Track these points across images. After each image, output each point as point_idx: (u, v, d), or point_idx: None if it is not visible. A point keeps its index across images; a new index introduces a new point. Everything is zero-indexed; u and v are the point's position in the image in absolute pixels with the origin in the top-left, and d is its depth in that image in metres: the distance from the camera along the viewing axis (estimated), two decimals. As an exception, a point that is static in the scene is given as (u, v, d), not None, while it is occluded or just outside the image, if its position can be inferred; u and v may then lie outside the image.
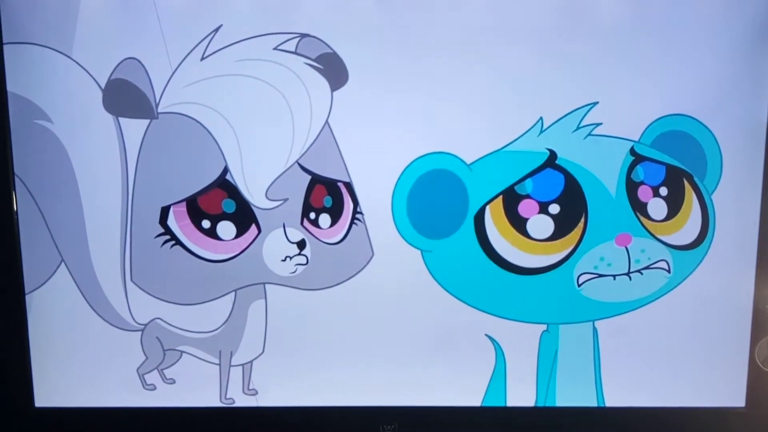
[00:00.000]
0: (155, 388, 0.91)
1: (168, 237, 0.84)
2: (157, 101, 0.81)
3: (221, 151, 0.82)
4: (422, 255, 0.86)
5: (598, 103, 0.83)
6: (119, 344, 0.88)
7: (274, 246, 0.85)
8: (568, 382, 0.91)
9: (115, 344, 0.88)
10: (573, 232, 0.85)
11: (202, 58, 0.80)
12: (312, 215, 0.85)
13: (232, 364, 0.90)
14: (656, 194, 0.85)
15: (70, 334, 0.88)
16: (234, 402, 0.91)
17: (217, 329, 0.88)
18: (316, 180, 0.84)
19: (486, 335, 0.89)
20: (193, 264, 0.85)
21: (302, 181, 0.83)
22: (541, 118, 0.83)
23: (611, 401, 0.92)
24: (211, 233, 0.84)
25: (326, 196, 0.84)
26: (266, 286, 0.87)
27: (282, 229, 0.84)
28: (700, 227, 0.87)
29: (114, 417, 0.91)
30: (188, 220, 0.84)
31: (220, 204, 0.83)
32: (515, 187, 0.84)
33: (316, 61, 0.81)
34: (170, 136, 0.82)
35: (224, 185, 0.83)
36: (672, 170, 0.85)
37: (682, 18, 0.81)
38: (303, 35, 0.80)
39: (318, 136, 0.82)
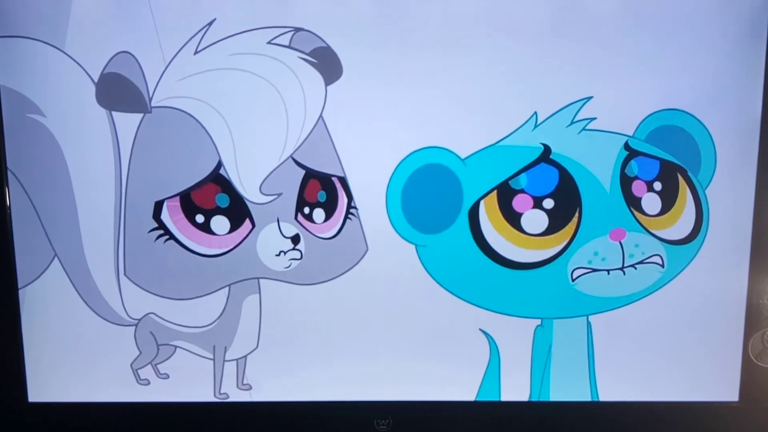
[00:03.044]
0: (149, 383, 0.91)
1: (162, 231, 0.84)
2: (151, 95, 0.80)
3: (215, 145, 0.82)
4: (416, 249, 0.86)
5: (592, 97, 0.83)
6: (113, 339, 0.88)
7: (268, 241, 0.85)
8: (562, 377, 0.91)
9: (109, 339, 0.88)
10: (567, 227, 0.85)
11: (196, 52, 0.80)
12: (306, 210, 0.84)
13: (226, 359, 0.90)
14: (650, 189, 0.86)
15: (64, 329, 0.88)
16: (228, 397, 0.91)
17: (211, 324, 0.88)
18: (310, 175, 0.83)
19: (480, 330, 0.89)
20: (187, 259, 0.85)
21: (296, 176, 0.83)
22: (535, 113, 0.83)
23: (605, 395, 0.92)
24: (205, 228, 0.84)
25: (320, 190, 0.84)
26: (260, 280, 0.87)
27: (276, 223, 0.84)
28: (694, 222, 0.87)
29: (108, 412, 0.91)
30: (182, 215, 0.83)
31: (214, 198, 0.83)
32: (509, 182, 0.84)
33: (310, 55, 0.81)
34: (164, 131, 0.81)
35: (218, 180, 0.83)
36: (666, 165, 0.85)
37: (677, 12, 0.81)
38: (297, 29, 0.80)
39: (312, 130, 0.82)
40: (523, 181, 0.84)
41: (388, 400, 0.91)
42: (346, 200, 0.85)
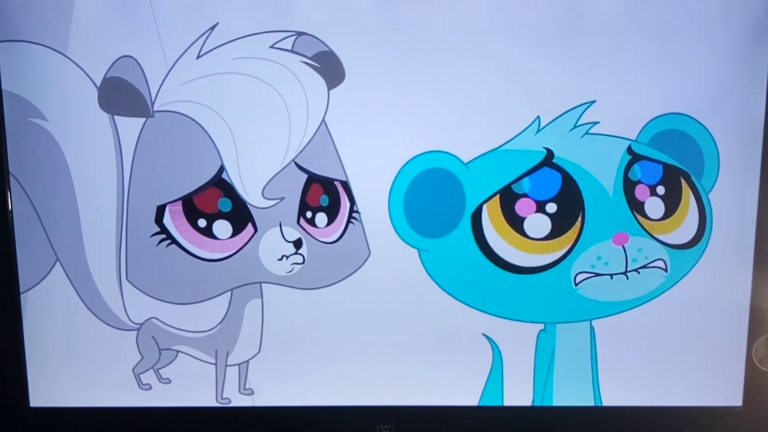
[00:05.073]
0: (151, 388, 0.90)
1: (164, 236, 0.84)
2: (153, 99, 0.80)
3: (217, 149, 0.81)
4: (419, 254, 0.86)
5: (595, 101, 0.82)
6: (115, 344, 0.88)
7: (271, 245, 0.85)
8: (565, 382, 0.91)
9: (111, 344, 0.88)
10: (570, 231, 0.85)
11: (198, 56, 0.80)
12: (308, 214, 0.84)
13: (228, 363, 0.89)
14: (653, 193, 0.85)
15: (66, 333, 0.88)
16: (230, 402, 0.91)
17: (213, 329, 0.88)
18: (312, 179, 0.83)
19: (483, 334, 0.89)
20: (189, 263, 0.85)
21: (298, 180, 0.83)
22: (538, 117, 0.83)
23: (608, 400, 0.92)
24: (207, 232, 0.84)
25: (323, 194, 0.84)
26: (262, 285, 0.87)
27: (278, 228, 0.84)
28: (697, 226, 0.87)
29: (109, 417, 0.91)
30: (184, 219, 0.83)
31: (216, 203, 0.83)
32: (512, 186, 0.84)
33: (312, 60, 0.81)
34: (166, 135, 0.81)
35: (220, 184, 0.82)
36: (669, 169, 0.85)
37: (680, 17, 0.81)
38: (299, 33, 0.80)
39: (314, 134, 0.82)
40: (525, 185, 0.84)
41: (391, 405, 0.91)
42: (348, 204, 0.85)
